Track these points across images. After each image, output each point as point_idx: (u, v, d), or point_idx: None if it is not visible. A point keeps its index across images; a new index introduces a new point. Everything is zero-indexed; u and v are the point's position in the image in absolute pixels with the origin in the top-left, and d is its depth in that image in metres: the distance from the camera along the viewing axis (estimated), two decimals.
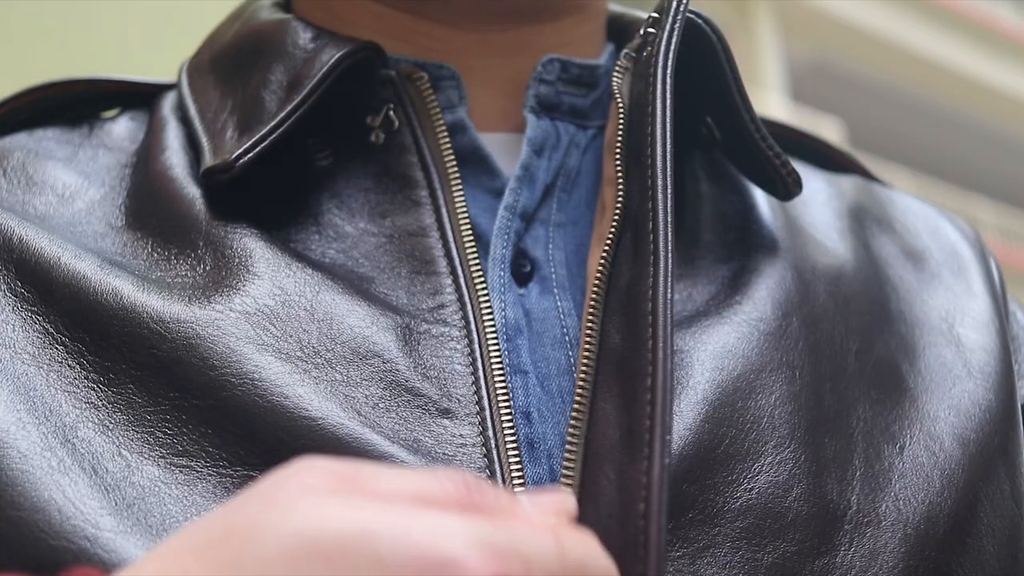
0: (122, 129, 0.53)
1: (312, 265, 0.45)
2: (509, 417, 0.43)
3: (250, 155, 0.46)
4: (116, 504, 0.39)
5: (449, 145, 0.48)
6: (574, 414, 0.41)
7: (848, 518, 0.44)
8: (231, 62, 0.52)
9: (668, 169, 0.43)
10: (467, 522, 0.30)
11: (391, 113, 0.48)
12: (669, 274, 0.41)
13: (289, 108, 0.47)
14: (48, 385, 0.42)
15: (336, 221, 0.47)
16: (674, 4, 0.47)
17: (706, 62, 0.50)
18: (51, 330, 0.43)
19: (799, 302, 0.49)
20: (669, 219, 0.42)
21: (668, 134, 0.44)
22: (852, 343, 0.49)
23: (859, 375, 0.48)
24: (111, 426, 0.41)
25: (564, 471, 0.41)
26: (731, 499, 0.42)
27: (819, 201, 0.56)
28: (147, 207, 0.48)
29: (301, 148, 0.49)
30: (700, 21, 0.49)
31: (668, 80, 0.45)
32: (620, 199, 0.45)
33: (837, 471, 0.45)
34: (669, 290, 0.40)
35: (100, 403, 0.42)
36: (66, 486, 0.39)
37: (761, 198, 0.53)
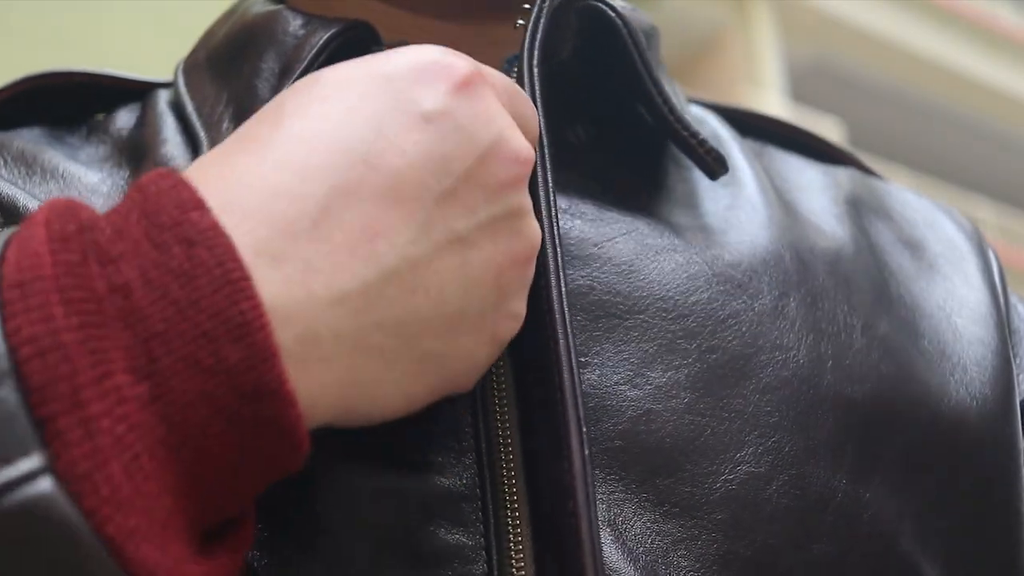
0: (118, 121, 0.53)
1: None
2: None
3: None
4: None
5: None
6: (498, 422, 0.40)
7: (831, 509, 0.43)
8: (225, 57, 0.52)
9: (545, 156, 0.42)
10: (432, 47, 0.38)
11: None
12: (560, 265, 0.40)
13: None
14: None
15: None
16: None
17: (619, 49, 0.49)
18: None
19: (797, 282, 0.48)
20: (553, 210, 0.41)
21: (538, 127, 0.43)
22: (857, 319, 0.48)
23: (867, 349, 0.47)
24: None
25: (505, 476, 0.40)
26: (709, 491, 0.41)
27: (815, 189, 0.56)
28: None
29: None
30: (603, 6, 0.48)
31: (534, 68, 0.45)
32: None
33: (829, 454, 0.44)
34: (562, 281, 0.40)
35: None
36: None
37: (752, 183, 0.53)
